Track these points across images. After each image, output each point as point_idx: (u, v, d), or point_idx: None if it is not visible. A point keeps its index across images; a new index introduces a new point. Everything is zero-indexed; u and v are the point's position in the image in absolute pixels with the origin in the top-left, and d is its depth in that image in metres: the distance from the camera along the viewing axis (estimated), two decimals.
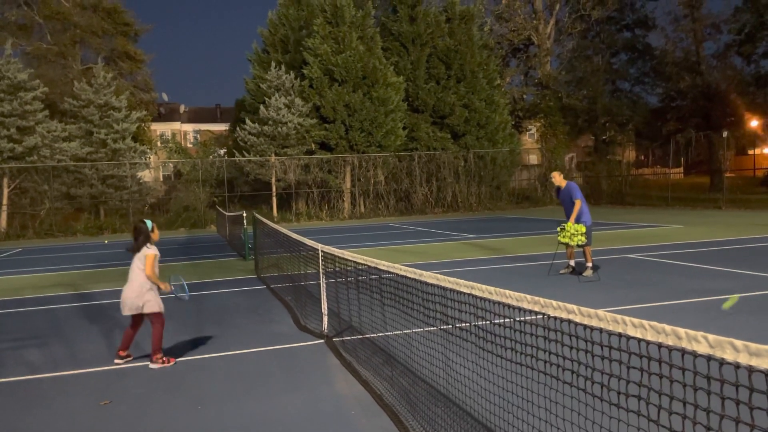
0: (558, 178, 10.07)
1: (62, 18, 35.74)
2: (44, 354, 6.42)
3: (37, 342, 6.95)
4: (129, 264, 5.97)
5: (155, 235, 6.00)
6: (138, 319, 5.89)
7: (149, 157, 31.49)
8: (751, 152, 41.02)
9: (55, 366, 5.95)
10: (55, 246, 20.88)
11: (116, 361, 5.93)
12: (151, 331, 5.80)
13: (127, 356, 5.99)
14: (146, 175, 32.08)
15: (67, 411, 4.71)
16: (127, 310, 5.75)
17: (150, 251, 5.84)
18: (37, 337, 7.18)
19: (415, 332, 4.79)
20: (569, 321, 2.35)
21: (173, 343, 6.53)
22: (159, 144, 40.76)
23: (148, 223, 5.95)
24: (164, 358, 5.82)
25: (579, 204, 9.57)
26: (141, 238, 5.84)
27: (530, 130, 43.23)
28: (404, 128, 29.58)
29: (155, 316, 5.76)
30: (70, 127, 27.52)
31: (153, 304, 5.76)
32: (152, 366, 5.75)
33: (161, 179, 38.43)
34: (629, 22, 40.92)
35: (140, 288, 5.74)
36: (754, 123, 36.44)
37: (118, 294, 9.96)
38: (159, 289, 5.84)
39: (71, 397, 5.04)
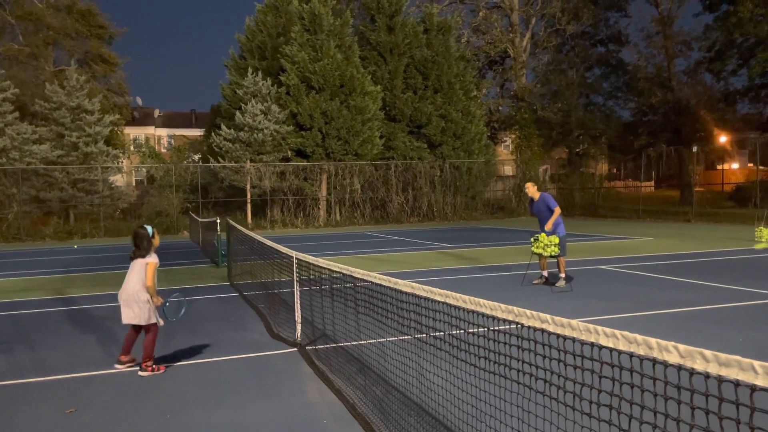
0: (531, 189, 10.09)
1: (35, 19, 35.16)
2: (9, 360, 6.26)
3: (2, 348, 6.78)
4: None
5: (155, 241, 5.86)
6: (133, 332, 5.84)
7: (122, 162, 31.05)
8: (719, 167, 41.97)
9: (20, 373, 5.81)
10: (22, 250, 20.43)
11: (117, 366, 5.77)
12: (144, 337, 5.68)
13: (130, 361, 5.84)
14: (118, 180, 31.63)
15: (32, 419, 4.59)
16: (136, 320, 5.61)
17: (151, 259, 5.72)
18: (2, 343, 6.99)
19: (389, 341, 4.78)
20: (542, 330, 2.36)
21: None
22: (132, 148, 40.23)
23: (149, 228, 5.82)
24: (154, 366, 5.69)
25: (558, 211, 9.69)
26: (145, 244, 5.71)
27: (505, 141, 43.68)
28: (381, 137, 29.64)
29: (152, 325, 5.69)
30: (40, 129, 27.03)
31: (154, 315, 5.69)
32: (142, 373, 5.61)
33: (134, 184, 37.94)
34: (603, 38, 41.70)
35: (146, 297, 5.62)
36: (722, 139, 37.30)
37: (87, 299, 9.81)
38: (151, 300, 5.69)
39: (36, 404, 4.91)
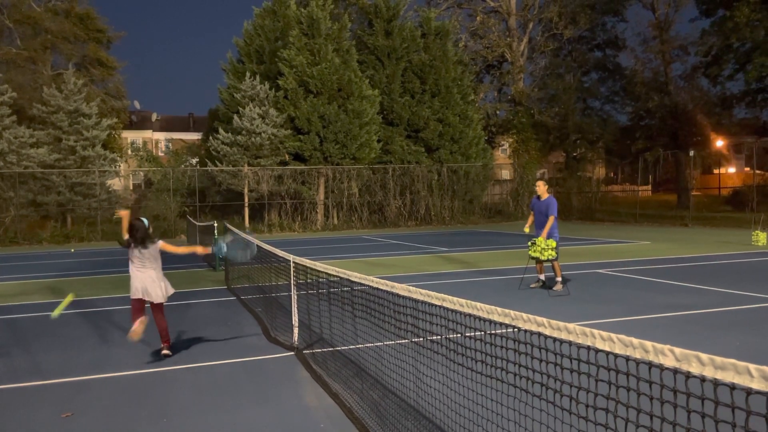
0: (542, 188, 10.10)
1: (33, 23, 35.15)
2: (6, 364, 6.24)
3: None
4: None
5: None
6: (141, 305, 6.25)
7: (119, 165, 31.02)
8: (716, 171, 42.08)
9: (17, 377, 5.79)
10: (19, 254, 20.39)
11: (164, 352, 6.30)
12: (158, 322, 6.31)
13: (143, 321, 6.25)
14: (116, 183, 31.60)
15: (28, 423, 4.57)
16: (162, 297, 6.29)
17: (161, 242, 6.39)
18: None
19: (386, 344, 4.78)
20: (539, 334, 2.36)
21: (141, 354, 6.40)
22: (130, 152, 40.17)
23: (145, 220, 6.37)
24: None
25: (552, 220, 9.69)
26: (139, 235, 6.24)
27: (503, 145, 43.74)
28: (379, 141, 29.66)
29: (161, 306, 6.32)
30: (38, 133, 26.98)
31: (169, 289, 6.42)
32: (166, 353, 6.30)
33: (131, 188, 37.91)
34: (600, 42, 41.85)
35: (156, 280, 6.28)
36: (719, 143, 37.39)
37: (84, 303, 9.78)
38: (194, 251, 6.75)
39: (33, 409, 4.90)
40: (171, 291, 6.46)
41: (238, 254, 6.94)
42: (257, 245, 7.44)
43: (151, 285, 6.23)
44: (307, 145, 28.03)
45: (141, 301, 6.27)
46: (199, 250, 6.55)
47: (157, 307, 6.31)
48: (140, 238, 6.24)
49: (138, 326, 6.10)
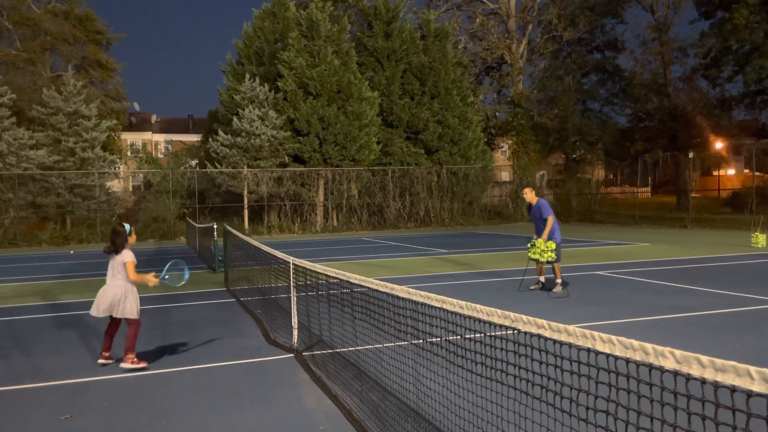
0: (529, 195, 10.13)
1: (32, 24, 35.17)
2: (5, 366, 6.23)
3: None
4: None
5: (132, 239, 6.22)
6: (116, 321, 6.10)
7: (119, 167, 31.03)
8: (715, 173, 42.10)
9: (16, 379, 5.78)
10: (19, 256, 20.38)
11: (100, 361, 6.10)
12: (127, 331, 5.97)
13: (109, 358, 6.13)
14: (115, 185, 31.59)
15: (27, 425, 4.56)
16: (102, 312, 5.93)
17: (128, 258, 6.03)
18: None
19: (386, 347, 4.77)
20: (539, 336, 2.36)
21: (141, 356, 6.39)
22: (129, 154, 40.18)
23: (127, 226, 6.20)
24: (136, 360, 5.96)
25: (551, 220, 9.65)
26: (118, 241, 6.07)
27: (502, 147, 43.79)
28: (378, 143, 29.67)
29: (132, 320, 6.01)
30: (37, 134, 26.98)
31: (132, 309, 5.98)
32: (123, 365, 5.88)
33: (131, 189, 37.89)
34: (599, 44, 41.94)
35: (117, 291, 5.95)
36: (718, 145, 37.42)
37: (83, 305, 9.79)
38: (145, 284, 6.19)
39: (31, 411, 4.89)
40: (126, 314, 5.94)
41: (175, 280, 6.88)
42: (256, 245, 7.43)
43: (103, 296, 5.93)
44: (306, 146, 28.03)
45: (109, 321, 6.14)
46: (150, 282, 6.19)
47: (129, 320, 6.03)
48: (116, 244, 6.05)
49: (105, 360, 6.08)
